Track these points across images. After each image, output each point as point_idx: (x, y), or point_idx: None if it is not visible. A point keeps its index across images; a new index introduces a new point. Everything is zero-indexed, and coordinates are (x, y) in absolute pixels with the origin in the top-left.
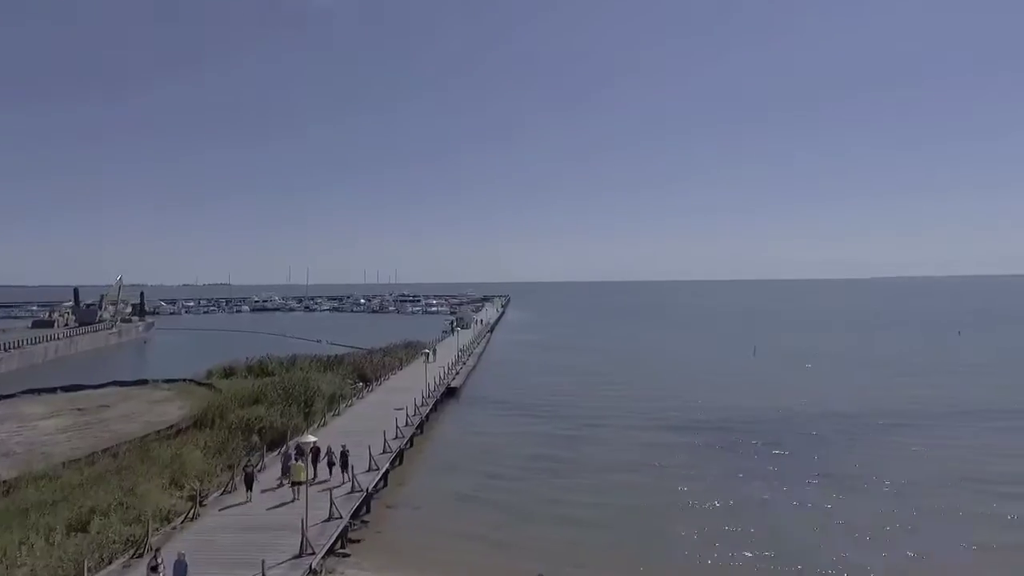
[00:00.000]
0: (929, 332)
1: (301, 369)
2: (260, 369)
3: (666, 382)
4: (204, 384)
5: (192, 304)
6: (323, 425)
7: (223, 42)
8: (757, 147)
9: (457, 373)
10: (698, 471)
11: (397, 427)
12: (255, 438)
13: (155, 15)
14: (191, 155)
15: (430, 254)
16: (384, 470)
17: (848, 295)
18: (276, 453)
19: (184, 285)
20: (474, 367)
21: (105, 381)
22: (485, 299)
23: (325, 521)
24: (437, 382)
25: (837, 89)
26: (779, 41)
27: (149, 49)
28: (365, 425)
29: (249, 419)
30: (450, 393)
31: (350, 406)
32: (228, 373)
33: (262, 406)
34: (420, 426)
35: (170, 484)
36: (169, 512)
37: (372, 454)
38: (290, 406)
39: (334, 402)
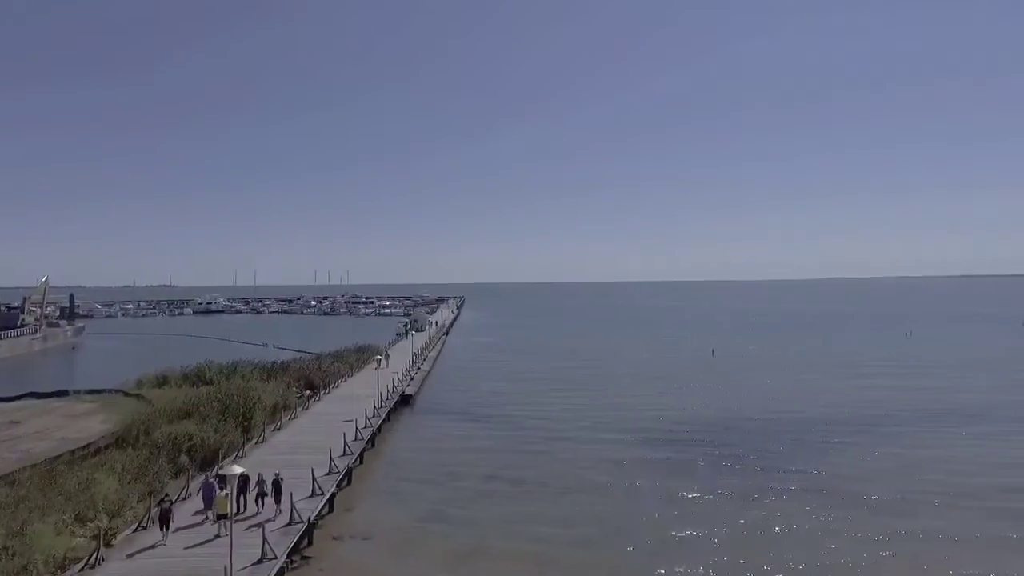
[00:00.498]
0: (887, 332)
1: (243, 377)
2: (197, 377)
3: (626, 387)
4: (133, 395)
5: (130, 306)
6: (262, 441)
7: (164, 42)
8: (754, 147)
9: (411, 379)
10: (672, 490)
11: (345, 443)
12: (183, 458)
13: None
14: (129, 153)
15: (382, 255)
16: (330, 493)
17: (834, 297)
18: (198, 481)
19: (125, 286)
20: (429, 372)
21: (21, 392)
22: (440, 300)
23: (256, 563)
24: (390, 390)
25: (834, 89)
26: (776, 39)
27: (77, 46)
28: (310, 440)
29: (177, 436)
30: (404, 401)
31: (293, 419)
32: (161, 382)
33: (194, 420)
34: (371, 439)
35: (74, 519)
36: (66, 558)
37: (315, 476)
38: (226, 420)
39: (277, 414)
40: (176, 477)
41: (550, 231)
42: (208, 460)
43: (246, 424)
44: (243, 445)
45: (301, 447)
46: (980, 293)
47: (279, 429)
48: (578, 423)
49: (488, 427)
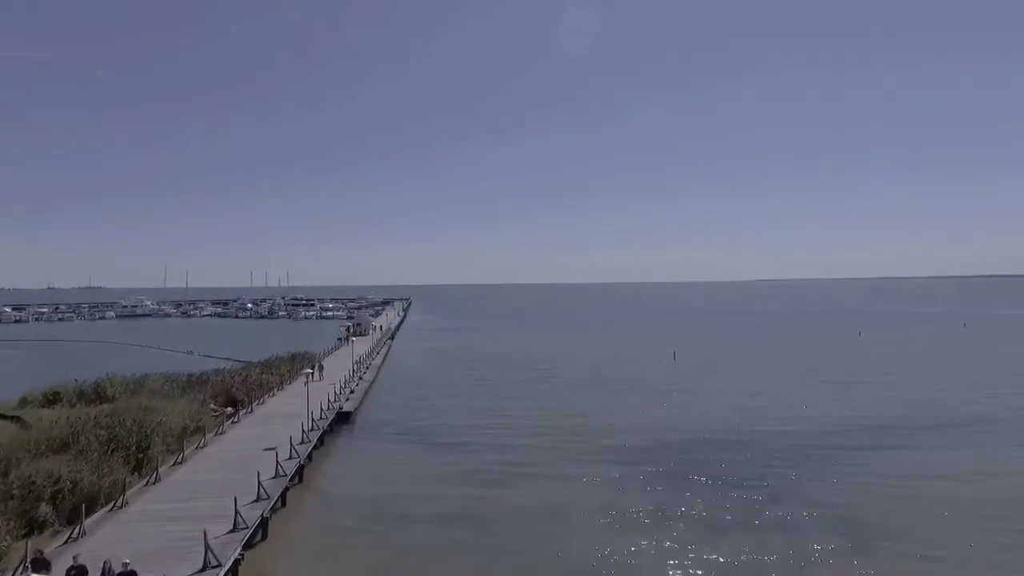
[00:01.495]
0: (840, 333)
1: (151, 392)
2: (95, 393)
3: (589, 399)
4: (9, 417)
5: (45, 310)
6: (154, 482)
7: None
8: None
9: (351, 392)
10: (670, 545)
11: (260, 484)
12: (44, 509)
13: None
14: (52, 149)
15: (325, 255)
16: (230, 562)
17: (802, 298)
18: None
19: (49, 288)
20: (372, 383)
21: None
22: (386, 302)
23: None
24: (325, 406)
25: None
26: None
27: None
28: (218, 478)
29: (36, 479)
30: (342, 419)
31: (201, 448)
32: (51, 400)
33: (71, 453)
34: (299, 472)
35: None
36: None
37: (214, 538)
38: (113, 452)
39: (183, 441)
40: (32, 535)
41: (502, 233)
42: (79, 508)
43: (141, 456)
44: (124, 490)
45: (204, 489)
46: (935, 294)
47: (180, 463)
48: (542, 447)
49: (440, 452)
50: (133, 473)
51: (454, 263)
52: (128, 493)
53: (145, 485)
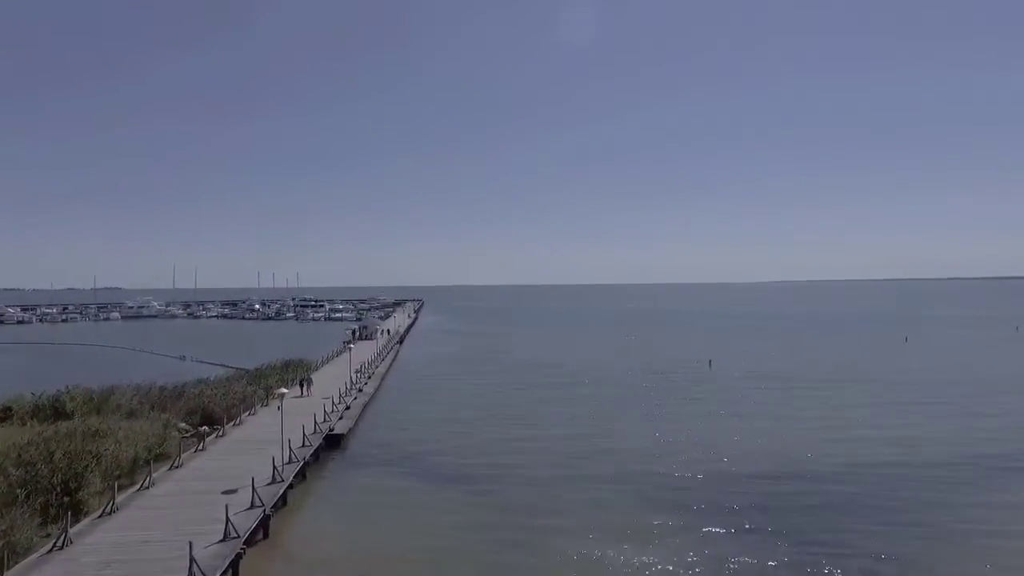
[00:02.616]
0: (882, 338)
1: (117, 407)
2: (53, 409)
3: (619, 419)
4: None
5: (51, 311)
6: (62, 546)
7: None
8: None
9: (347, 408)
10: None
11: (193, 561)
12: None
13: None
14: (63, 150)
15: (333, 256)
16: None
17: (825, 298)
18: None
19: (70, 289)
20: (373, 396)
21: None
22: (397, 304)
23: None
24: (311, 429)
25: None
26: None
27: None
28: (153, 538)
29: None
30: (332, 443)
31: (145, 488)
32: (1, 417)
33: None
34: (263, 525)
35: None
36: None
37: None
38: (25, 500)
39: (132, 475)
40: None
41: (517, 234)
42: None
43: (68, 501)
44: (4, 567)
45: (124, 561)
46: (952, 296)
47: (111, 513)
48: (572, 492)
49: (446, 500)
50: (58, 523)
51: (466, 264)
52: (15, 568)
53: (50, 551)
